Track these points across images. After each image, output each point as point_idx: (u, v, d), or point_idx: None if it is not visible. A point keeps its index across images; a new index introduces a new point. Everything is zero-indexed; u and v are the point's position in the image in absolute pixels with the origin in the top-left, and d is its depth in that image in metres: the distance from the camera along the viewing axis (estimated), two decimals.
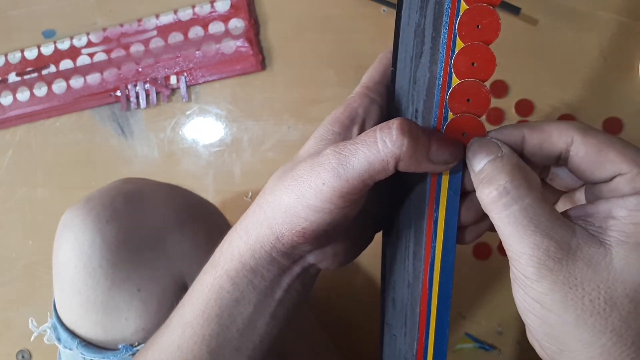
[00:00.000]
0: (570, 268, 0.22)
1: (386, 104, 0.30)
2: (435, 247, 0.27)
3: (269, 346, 0.31)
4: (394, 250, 0.32)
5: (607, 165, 0.24)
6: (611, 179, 0.24)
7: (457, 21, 0.23)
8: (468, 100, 0.24)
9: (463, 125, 0.25)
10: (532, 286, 0.23)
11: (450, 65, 0.24)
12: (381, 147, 0.24)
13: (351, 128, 0.29)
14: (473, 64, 0.24)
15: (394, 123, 0.24)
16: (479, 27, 0.23)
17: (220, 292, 0.28)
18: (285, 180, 0.26)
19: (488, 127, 0.25)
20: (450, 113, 0.25)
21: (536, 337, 0.24)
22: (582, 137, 0.24)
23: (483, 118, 0.25)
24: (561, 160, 0.25)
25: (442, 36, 0.24)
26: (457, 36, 0.24)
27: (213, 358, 0.29)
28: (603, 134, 0.24)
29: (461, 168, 0.26)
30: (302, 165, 0.26)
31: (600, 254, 0.22)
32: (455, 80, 0.24)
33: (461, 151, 0.25)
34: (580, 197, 0.28)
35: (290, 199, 0.26)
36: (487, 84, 0.24)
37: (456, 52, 0.24)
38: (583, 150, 0.24)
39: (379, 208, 0.32)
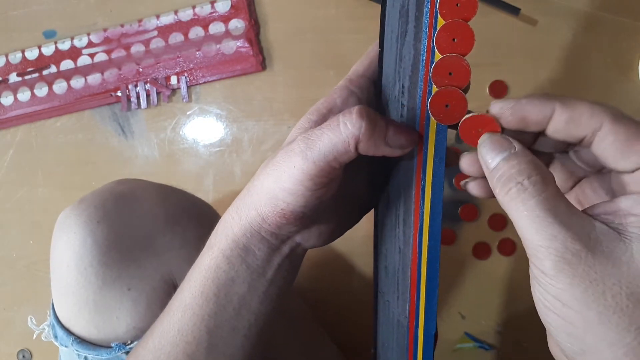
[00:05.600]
0: (590, 262, 0.21)
1: (367, 95, 0.32)
2: (423, 212, 0.28)
3: (263, 325, 0.32)
4: (386, 221, 0.33)
5: (632, 157, 0.23)
6: (634, 170, 0.24)
7: (438, 0, 0.25)
8: (450, 73, 0.26)
9: (446, 97, 0.26)
10: (551, 282, 0.22)
11: (432, 42, 0.26)
12: (342, 130, 0.26)
13: (328, 117, 0.31)
14: (454, 39, 0.25)
15: (355, 108, 0.26)
16: (458, 5, 0.25)
17: (217, 272, 0.30)
18: (268, 167, 0.29)
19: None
20: (434, 86, 0.26)
21: (557, 338, 0.23)
22: (612, 125, 0.23)
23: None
24: (584, 142, 0.24)
25: (424, 15, 0.26)
26: (439, 14, 0.25)
27: (212, 338, 0.31)
28: (635, 124, 0.23)
29: (445, 138, 0.27)
30: (280, 152, 0.28)
31: (620, 249, 0.22)
32: (438, 56, 0.26)
33: (416, 137, 0.27)
34: (590, 192, 0.28)
35: (270, 183, 0.28)
36: (467, 58, 0.26)
37: (438, 29, 0.25)
38: (611, 138, 0.23)
39: (366, 190, 0.34)
